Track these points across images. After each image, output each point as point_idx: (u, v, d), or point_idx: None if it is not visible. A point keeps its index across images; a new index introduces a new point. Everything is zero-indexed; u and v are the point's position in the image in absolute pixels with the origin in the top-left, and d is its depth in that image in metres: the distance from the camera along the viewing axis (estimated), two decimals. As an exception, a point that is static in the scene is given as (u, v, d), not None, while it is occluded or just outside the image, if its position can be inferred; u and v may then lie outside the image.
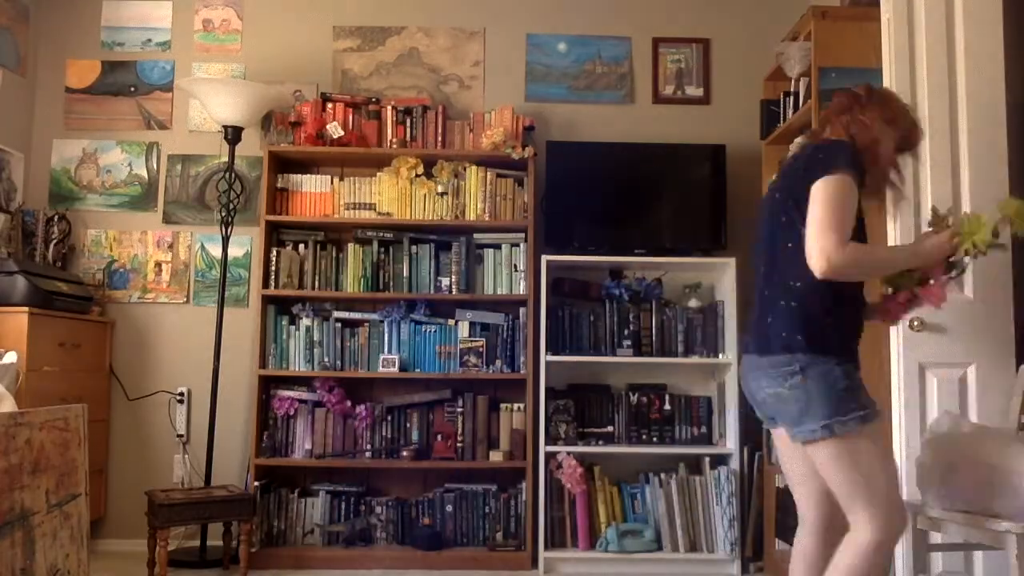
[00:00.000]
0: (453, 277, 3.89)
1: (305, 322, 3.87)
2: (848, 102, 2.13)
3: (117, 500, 3.98)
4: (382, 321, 3.89)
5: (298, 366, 3.86)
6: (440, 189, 3.91)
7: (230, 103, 3.76)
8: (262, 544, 3.72)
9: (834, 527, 2.08)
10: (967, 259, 2.06)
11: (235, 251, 4.04)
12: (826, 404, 1.94)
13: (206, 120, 4.13)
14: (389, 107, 4.03)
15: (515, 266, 3.88)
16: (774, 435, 2.21)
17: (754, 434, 3.78)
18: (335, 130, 3.92)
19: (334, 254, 3.91)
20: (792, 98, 3.55)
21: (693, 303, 3.90)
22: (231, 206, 3.85)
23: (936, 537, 2.43)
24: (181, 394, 4.02)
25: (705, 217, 3.93)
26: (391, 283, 3.90)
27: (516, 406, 3.83)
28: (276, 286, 3.84)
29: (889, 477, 1.97)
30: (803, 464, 2.11)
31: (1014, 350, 2.70)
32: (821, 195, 1.96)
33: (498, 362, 3.84)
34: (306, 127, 3.93)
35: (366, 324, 3.91)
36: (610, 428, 3.85)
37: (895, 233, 2.76)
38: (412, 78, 4.22)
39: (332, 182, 3.95)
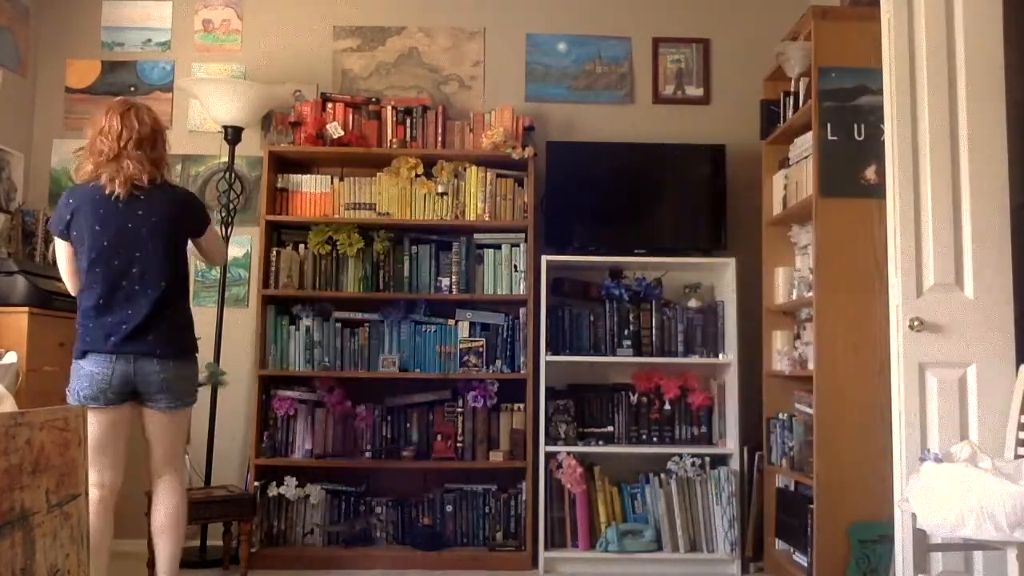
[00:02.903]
0: (453, 277, 3.89)
1: (305, 322, 3.87)
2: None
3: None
4: (382, 321, 3.89)
5: (298, 366, 3.86)
6: (440, 189, 3.91)
7: (230, 103, 3.76)
8: (262, 544, 3.72)
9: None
10: None
11: (235, 251, 4.04)
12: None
13: (206, 120, 4.13)
14: (389, 107, 4.03)
15: (515, 266, 3.87)
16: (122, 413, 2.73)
17: (754, 434, 3.78)
18: (335, 130, 3.92)
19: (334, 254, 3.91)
20: (792, 98, 3.55)
21: (693, 303, 3.90)
22: (231, 206, 3.85)
23: (936, 537, 2.43)
24: (181, 394, 4.02)
25: (705, 217, 3.93)
26: (391, 283, 3.90)
27: (516, 406, 3.83)
28: (276, 286, 3.84)
29: None
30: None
31: (1014, 350, 2.71)
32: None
33: (498, 362, 3.84)
34: (306, 127, 3.93)
35: (366, 324, 3.90)
36: (610, 428, 3.85)
37: (896, 229, 2.76)
38: (412, 78, 4.22)
39: (332, 182, 3.95)
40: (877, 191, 3.03)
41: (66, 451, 2.08)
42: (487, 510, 3.79)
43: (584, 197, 3.92)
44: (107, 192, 2.65)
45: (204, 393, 3.89)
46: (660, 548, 3.68)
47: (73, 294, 2.76)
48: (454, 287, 3.89)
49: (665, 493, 3.72)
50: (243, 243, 4.07)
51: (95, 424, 2.60)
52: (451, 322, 3.89)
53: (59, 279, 3.66)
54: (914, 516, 2.36)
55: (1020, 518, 2.06)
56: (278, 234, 3.96)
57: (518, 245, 3.88)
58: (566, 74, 4.22)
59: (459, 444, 3.81)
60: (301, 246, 3.92)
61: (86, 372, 2.64)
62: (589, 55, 4.23)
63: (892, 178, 2.77)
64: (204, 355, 3.92)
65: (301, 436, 3.83)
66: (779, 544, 3.59)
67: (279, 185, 3.93)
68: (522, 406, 3.81)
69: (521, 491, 3.76)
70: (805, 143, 3.36)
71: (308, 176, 3.95)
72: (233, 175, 3.88)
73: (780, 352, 3.64)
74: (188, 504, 2.93)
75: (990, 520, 2.09)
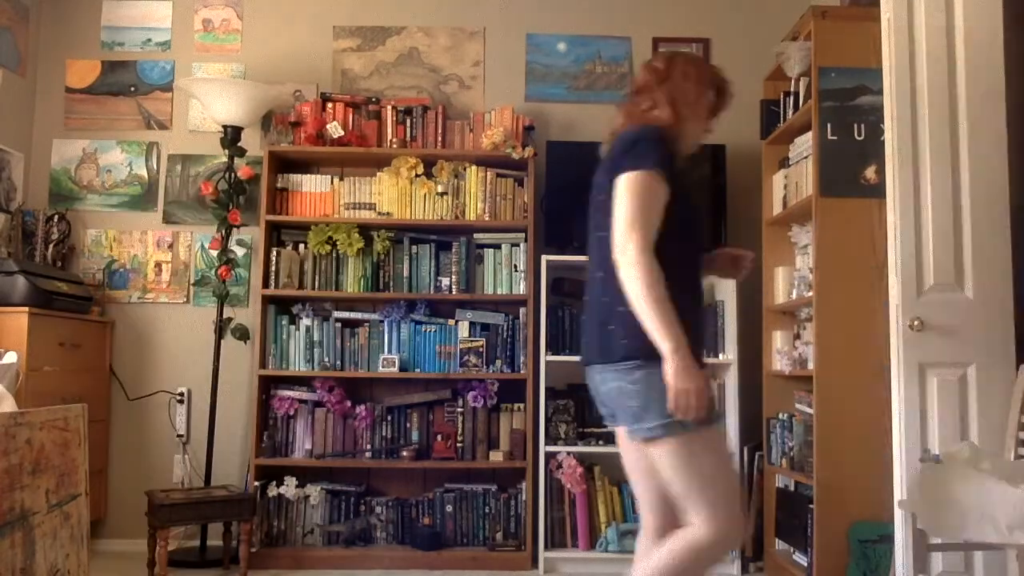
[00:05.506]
0: (453, 277, 3.89)
1: (305, 322, 3.87)
2: (649, 79, 2.11)
3: (117, 500, 3.98)
4: (382, 321, 3.89)
5: (298, 366, 3.86)
6: (440, 189, 3.91)
7: (230, 103, 3.76)
8: (262, 544, 3.72)
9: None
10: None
11: (235, 251, 4.03)
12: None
13: (206, 120, 4.13)
14: (389, 107, 4.03)
15: (515, 266, 3.88)
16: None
17: (754, 434, 3.78)
18: (335, 130, 3.92)
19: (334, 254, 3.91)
20: (792, 98, 3.55)
21: (693, 303, 3.90)
22: (231, 206, 3.85)
23: (936, 538, 2.43)
24: (181, 394, 4.02)
25: (705, 217, 3.92)
26: (391, 283, 3.90)
27: (516, 406, 3.83)
28: (276, 286, 3.84)
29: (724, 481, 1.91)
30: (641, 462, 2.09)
31: (1014, 350, 2.70)
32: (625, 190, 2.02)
33: (498, 362, 3.84)
34: (306, 127, 3.93)
35: (366, 324, 3.91)
36: (610, 428, 3.84)
37: (896, 229, 2.76)
38: (412, 78, 4.22)
39: (332, 182, 3.95)
40: (877, 191, 3.03)
41: (66, 451, 2.08)
42: (487, 510, 3.79)
43: (584, 197, 3.89)
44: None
45: (204, 393, 3.91)
46: (660, 548, 3.67)
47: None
48: (454, 287, 3.89)
49: (665, 493, 3.72)
50: (243, 243, 4.07)
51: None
52: (451, 322, 3.89)
53: (59, 279, 3.68)
54: (914, 516, 2.36)
55: (1020, 520, 2.06)
56: (278, 234, 3.96)
57: (518, 245, 3.88)
58: (566, 74, 4.22)
59: (459, 444, 3.81)
60: (301, 246, 3.92)
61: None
62: (589, 55, 4.23)
63: (892, 178, 2.77)
64: (203, 355, 3.97)
65: (301, 436, 3.83)
66: (779, 544, 3.59)
67: (279, 185, 3.93)
68: (522, 406, 3.81)
69: (521, 491, 3.76)
70: (805, 143, 3.36)
71: (308, 176, 3.95)
72: (233, 175, 3.87)
73: (780, 352, 3.64)
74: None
75: (990, 522, 2.09)
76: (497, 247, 3.90)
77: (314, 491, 3.77)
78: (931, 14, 2.79)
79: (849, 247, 3.13)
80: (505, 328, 3.87)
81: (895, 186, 2.75)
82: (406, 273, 3.90)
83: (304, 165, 4.05)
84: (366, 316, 3.92)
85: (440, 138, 4.00)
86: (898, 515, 2.66)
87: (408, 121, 4.02)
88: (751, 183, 4.00)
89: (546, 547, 3.65)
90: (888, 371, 2.76)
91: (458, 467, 3.80)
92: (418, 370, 3.87)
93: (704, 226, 2.06)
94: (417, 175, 3.92)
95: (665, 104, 2.06)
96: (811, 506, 3.11)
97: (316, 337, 3.87)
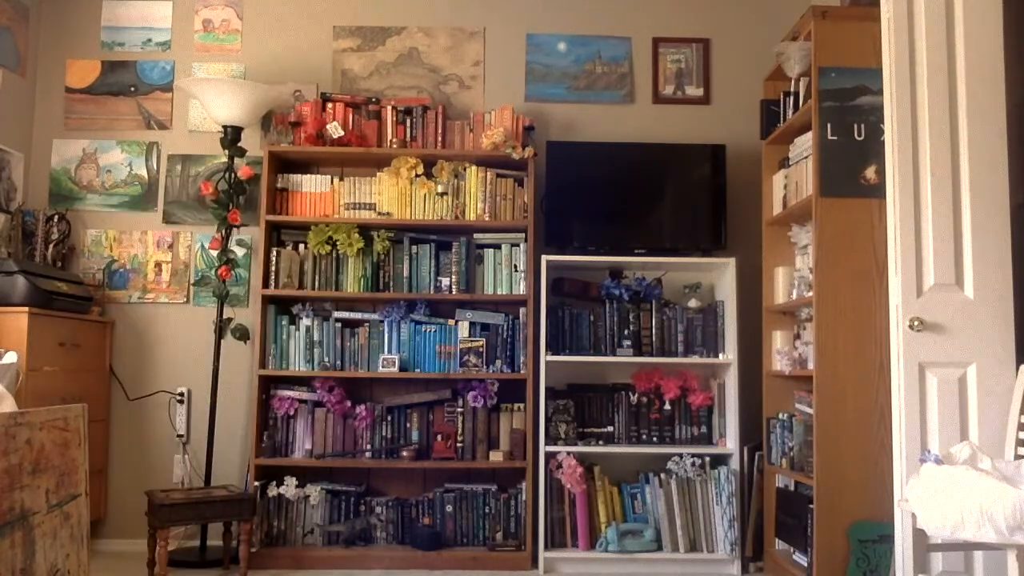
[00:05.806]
0: (453, 277, 3.89)
1: (305, 322, 3.87)
2: None
3: (117, 500, 3.98)
4: (382, 321, 3.89)
5: (298, 366, 3.86)
6: (440, 189, 3.91)
7: (230, 103, 3.76)
8: (262, 544, 3.72)
9: None
10: None
11: (235, 250, 4.03)
12: None
13: (206, 120, 4.14)
14: (389, 107, 4.03)
15: (515, 266, 3.88)
16: None
17: (754, 434, 3.78)
18: (335, 130, 3.92)
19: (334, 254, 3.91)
20: (792, 98, 3.55)
21: (693, 303, 3.90)
22: (231, 206, 3.85)
23: (936, 538, 2.43)
24: (181, 394, 4.02)
25: (705, 217, 3.93)
26: (391, 283, 3.90)
27: (516, 406, 3.83)
28: (276, 286, 3.84)
29: None
30: None
31: (1014, 350, 2.71)
32: None
33: (498, 362, 3.84)
34: (306, 127, 3.93)
35: (366, 324, 3.91)
36: (610, 428, 3.85)
37: (896, 229, 2.76)
38: (412, 78, 4.22)
39: (332, 182, 3.95)
40: (877, 191, 3.03)
41: (66, 451, 2.08)
42: (487, 510, 3.79)
43: (584, 197, 3.92)
44: None
45: (204, 393, 3.92)
46: (660, 548, 3.68)
47: None
48: (454, 287, 3.89)
49: (665, 493, 3.72)
50: (243, 243, 4.07)
51: None
52: (451, 322, 3.89)
53: (59, 279, 3.67)
54: (914, 516, 2.36)
55: (1020, 521, 2.06)
56: (278, 234, 3.96)
57: (518, 245, 3.88)
58: (566, 74, 4.22)
59: (459, 444, 3.81)
60: (301, 246, 3.92)
61: None
62: (589, 55, 4.23)
63: (892, 178, 2.77)
64: (203, 355, 3.97)
65: (301, 436, 3.83)
66: (779, 544, 3.59)
67: (279, 185, 3.93)
68: (522, 406, 3.81)
69: (521, 491, 3.76)
70: (805, 143, 3.36)
71: (308, 176, 3.95)
72: (233, 175, 3.87)
73: (780, 352, 3.65)
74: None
75: (990, 522, 2.09)
76: (497, 247, 3.90)
77: (314, 491, 3.77)
78: (931, 14, 2.80)
79: (849, 247, 3.13)
80: (505, 328, 3.87)
81: (895, 186, 2.76)
82: (406, 273, 3.90)
83: (304, 165, 4.05)
84: (366, 316, 3.92)
85: (440, 138, 4.00)
86: (898, 515, 2.66)
87: (408, 121, 4.02)
88: (751, 183, 4.01)
89: (546, 547, 3.65)
90: (888, 371, 2.77)
91: (458, 467, 3.80)
92: (418, 370, 3.87)
93: None
94: (417, 175, 3.92)
95: None
96: (811, 506, 3.11)
97: (316, 337, 3.87)
